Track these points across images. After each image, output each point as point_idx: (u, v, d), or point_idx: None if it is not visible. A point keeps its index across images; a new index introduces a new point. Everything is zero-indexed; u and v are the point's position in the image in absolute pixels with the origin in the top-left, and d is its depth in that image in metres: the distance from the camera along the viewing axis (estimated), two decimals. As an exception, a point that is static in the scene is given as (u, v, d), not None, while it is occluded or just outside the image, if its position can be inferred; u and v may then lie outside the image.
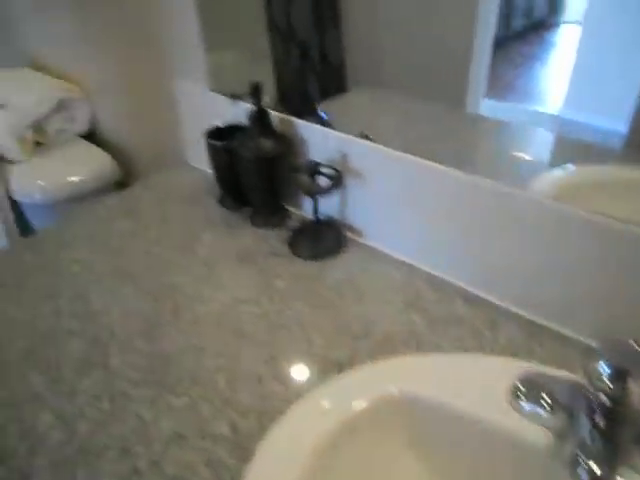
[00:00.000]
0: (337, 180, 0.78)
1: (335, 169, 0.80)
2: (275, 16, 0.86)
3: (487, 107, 0.70)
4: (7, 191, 1.29)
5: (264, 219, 0.90)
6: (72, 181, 1.29)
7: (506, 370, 0.61)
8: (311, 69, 0.85)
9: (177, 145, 1.19)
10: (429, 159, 0.73)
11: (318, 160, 0.82)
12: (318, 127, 0.84)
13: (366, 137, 0.80)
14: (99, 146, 1.40)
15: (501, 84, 0.67)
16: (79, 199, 1.30)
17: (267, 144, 0.82)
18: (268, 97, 0.85)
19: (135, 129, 1.31)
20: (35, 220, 1.34)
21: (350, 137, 0.80)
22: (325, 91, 0.86)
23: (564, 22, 0.64)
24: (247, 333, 0.70)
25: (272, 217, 0.90)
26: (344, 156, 0.81)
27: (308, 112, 0.87)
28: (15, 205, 1.31)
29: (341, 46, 0.81)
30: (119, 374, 0.65)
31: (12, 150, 1.28)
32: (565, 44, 0.64)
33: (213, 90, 0.99)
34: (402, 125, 0.79)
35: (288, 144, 0.85)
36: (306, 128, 0.86)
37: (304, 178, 0.79)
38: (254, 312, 0.74)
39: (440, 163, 0.72)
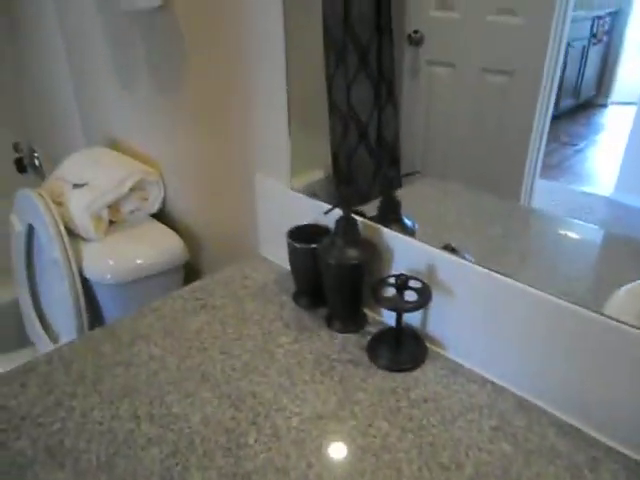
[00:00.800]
0: (425, 296, 0.76)
1: (422, 282, 0.78)
2: (336, 97, 0.89)
3: (540, 187, 0.70)
4: (80, 269, 1.32)
5: (342, 323, 0.88)
6: (142, 263, 1.31)
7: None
8: (369, 152, 0.86)
9: (250, 235, 1.20)
10: (503, 271, 0.73)
11: (402, 269, 0.81)
12: (404, 238, 0.83)
13: (452, 249, 0.79)
14: (168, 225, 1.43)
15: (551, 164, 0.68)
16: (148, 279, 1.32)
17: (352, 252, 0.81)
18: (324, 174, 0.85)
19: (207, 214, 1.34)
20: (102, 298, 1.36)
21: (436, 250, 0.79)
22: (383, 177, 0.87)
23: (612, 103, 0.65)
24: (330, 454, 0.68)
25: (350, 321, 0.88)
26: (430, 267, 0.80)
27: (389, 219, 0.87)
28: (84, 283, 1.33)
29: (398, 135, 0.83)
30: (200, 494, 0.63)
31: (88, 229, 1.32)
32: (613, 125, 0.64)
33: (294, 189, 1.01)
34: (471, 224, 0.80)
35: (372, 252, 0.84)
36: (392, 238, 0.85)
37: (390, 291, 0.78)
38: (336, 430, 0.71)
39: (516, 277, 0.72)
